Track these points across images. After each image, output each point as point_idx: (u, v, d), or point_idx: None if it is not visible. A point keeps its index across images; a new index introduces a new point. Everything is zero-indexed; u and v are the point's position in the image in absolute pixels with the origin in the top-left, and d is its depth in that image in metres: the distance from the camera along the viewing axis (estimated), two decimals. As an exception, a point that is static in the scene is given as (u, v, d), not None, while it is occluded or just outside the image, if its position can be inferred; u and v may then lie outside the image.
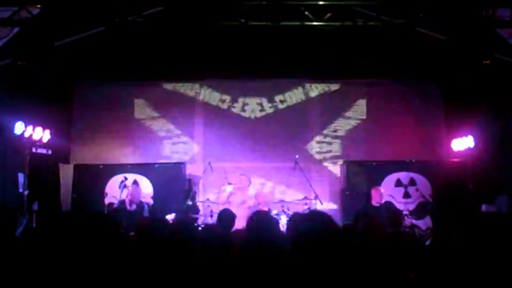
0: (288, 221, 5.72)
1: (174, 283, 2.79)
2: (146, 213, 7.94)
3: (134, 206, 7.93)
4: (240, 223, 5.22)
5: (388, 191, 8.80)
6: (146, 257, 3.07)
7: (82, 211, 8.79)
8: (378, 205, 8.15)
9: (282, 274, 2.44)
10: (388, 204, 8.30)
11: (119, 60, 9.33)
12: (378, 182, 8.85)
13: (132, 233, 6.37)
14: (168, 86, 10.42)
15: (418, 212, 8.95)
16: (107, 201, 9.23)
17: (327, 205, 9.53)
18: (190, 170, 9.87)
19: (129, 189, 8.09)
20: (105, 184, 9.38)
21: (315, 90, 10.41)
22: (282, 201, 8.85)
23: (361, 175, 9.41)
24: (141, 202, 8.05)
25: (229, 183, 8.62)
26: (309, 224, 2.36)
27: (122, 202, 8.01)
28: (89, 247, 2.97)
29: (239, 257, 3.04)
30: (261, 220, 3.47)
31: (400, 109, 10.17)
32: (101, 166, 9.60)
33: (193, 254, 2.97)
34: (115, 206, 8.13)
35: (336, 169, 10.12)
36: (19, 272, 2.94)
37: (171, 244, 2.91)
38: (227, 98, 10.37)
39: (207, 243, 3.27)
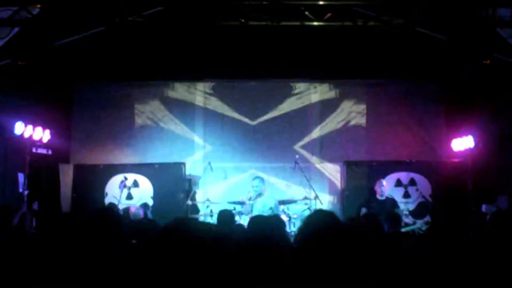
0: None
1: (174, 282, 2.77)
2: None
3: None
4: None
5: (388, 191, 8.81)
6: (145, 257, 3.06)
7: (82, 211, 8.86)
8: (383, 198, 8.22)
9: (282, 272, 2.43)
10: (392, 201, 8.36)
11: (119, 60, 9.32)
12: (378, 182, 8.87)
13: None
14: (168, 86, 10.40)
15: (418, 212, 8.95)
16: (107, 201, 9.25)
17: (327, 205, 9.56)
18: (190, 170, 9.87)
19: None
20: (105, 184, 9.40)
21: (315, 90, 10.39)
22: (282, 201, 8.84)
23: (361, 175, 9.42)
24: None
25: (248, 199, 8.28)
26: (311, 222, 2.36)
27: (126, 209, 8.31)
28: (90, 246, 2.95)
29: (238, 255, 3.03)
30: (261, 224, 3.45)
31: (400, 109, 10.15)
32: (101, 166, 9.60)
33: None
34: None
35: (336, 169, 10.11)
36: (18, 271, 2.93)
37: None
38: (227, 97, 10.36)
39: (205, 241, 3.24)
